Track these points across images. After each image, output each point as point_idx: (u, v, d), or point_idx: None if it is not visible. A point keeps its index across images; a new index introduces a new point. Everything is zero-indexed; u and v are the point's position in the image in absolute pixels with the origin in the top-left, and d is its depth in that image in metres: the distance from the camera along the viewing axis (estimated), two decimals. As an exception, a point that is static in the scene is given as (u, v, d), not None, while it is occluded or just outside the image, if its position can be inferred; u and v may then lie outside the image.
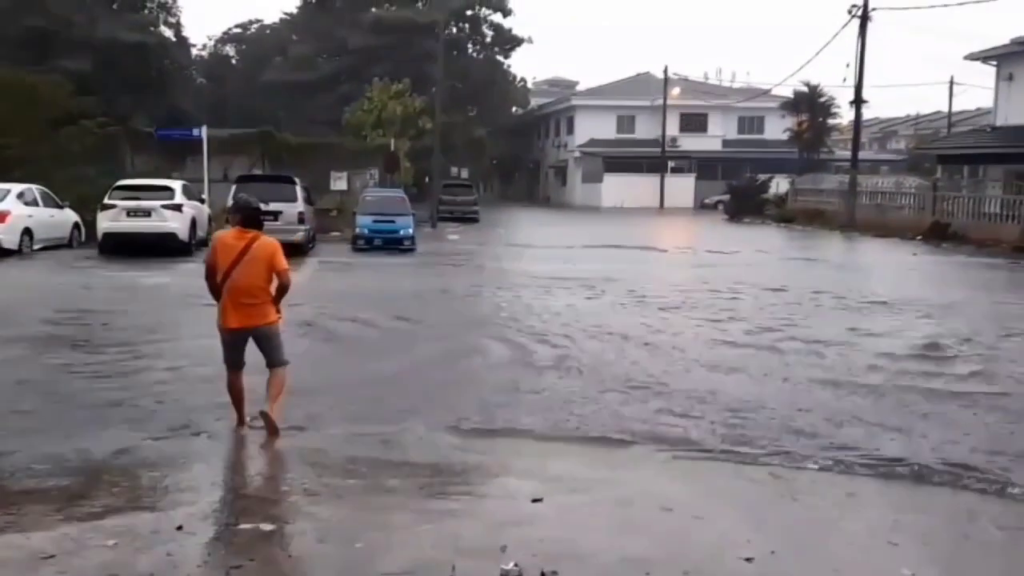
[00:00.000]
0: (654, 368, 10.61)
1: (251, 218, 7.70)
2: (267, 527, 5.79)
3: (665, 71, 61.67)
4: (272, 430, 7.60)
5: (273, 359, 7.69)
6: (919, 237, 31.49)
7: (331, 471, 6.99)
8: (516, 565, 5.21)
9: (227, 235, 7.71)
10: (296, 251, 22.67)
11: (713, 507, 6.44)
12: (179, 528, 5.67)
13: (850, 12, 38.71)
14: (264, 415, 7.59)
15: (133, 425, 7.97)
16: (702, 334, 12.88)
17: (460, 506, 6.37)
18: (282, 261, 7.58)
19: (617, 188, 60.44)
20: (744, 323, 13.82)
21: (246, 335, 7.64)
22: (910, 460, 7.34)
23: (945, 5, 58.44)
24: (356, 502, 6.39)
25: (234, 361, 7.72)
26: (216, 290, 7.61)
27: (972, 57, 38.13)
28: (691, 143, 63.19)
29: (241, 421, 7.87)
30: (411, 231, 26.01)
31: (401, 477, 6.87)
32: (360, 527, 5.87)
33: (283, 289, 7.63)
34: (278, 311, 7.74)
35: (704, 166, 62.71)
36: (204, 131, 31.05)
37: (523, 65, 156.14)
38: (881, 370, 10.64)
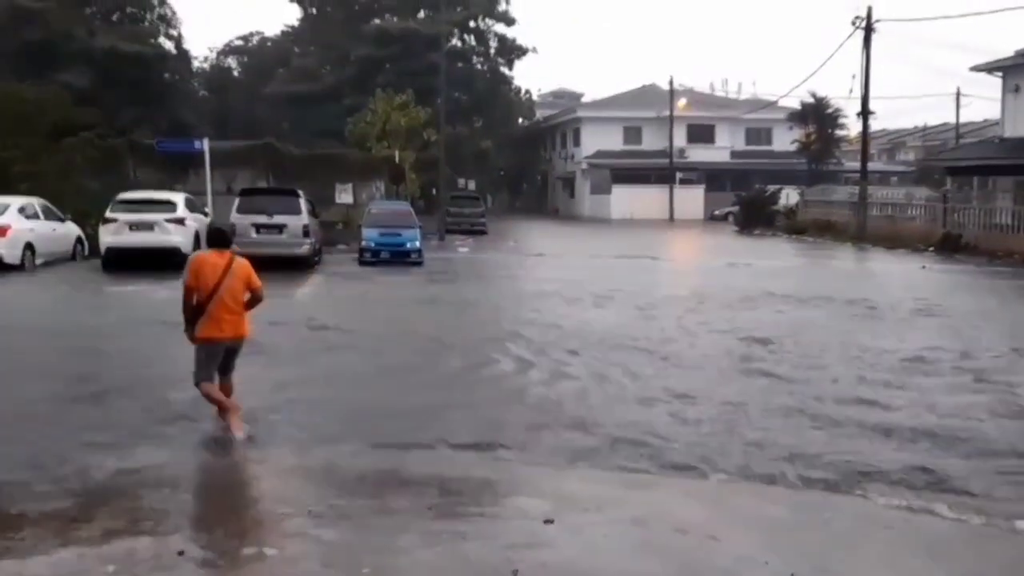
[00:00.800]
0: (670, 385, 10.45)
1: (220, 239, 8.50)
2: (271, 551, 5.62)
3: (671, 82, 61.63)
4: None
5: (231, 367, 8.46)
6: (931, 248, 31.33)
7: (336, 491, 6.85)
8: (528, 591, 5.05)
9: (207, 256, 8.35)
10: (302, 265, 22.52)
11: (729, 528, 6.28)
12: (180, 553, 5.50)
13: (854, 24, 38.64)
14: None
15: (133, 445, 7.79)
16: (722, 352, 12.62)
17: (470, 527, 6.20)
18: (256, 279, 8.42)
19: (626, 199, 60.26)
20: (762, 339, 13.52)
21: (231, 346, 8.34)
22: (930, 485, 7.17)
23: (947, 17, 58.46)
24: (362, 524, 6.21)
25: (211, 374, 8.26)
26: (195, 309, 8.18)
27: (977, 69, 38.04)
28: (699, 154, 62.96)
29: (235, 411, 8.17)
30: (418, 244, 25.77)
31: (408, 497, 6.72)
32: (366, 550, 5.70)
33: (257, 300, 8.48)
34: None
35: (712, 177, 62.49)
36: (206, 143, 30.86)
37: (528, 77, 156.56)
38: (902, 389, 10.44)
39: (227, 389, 8.42)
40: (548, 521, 6.15)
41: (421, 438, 8.15)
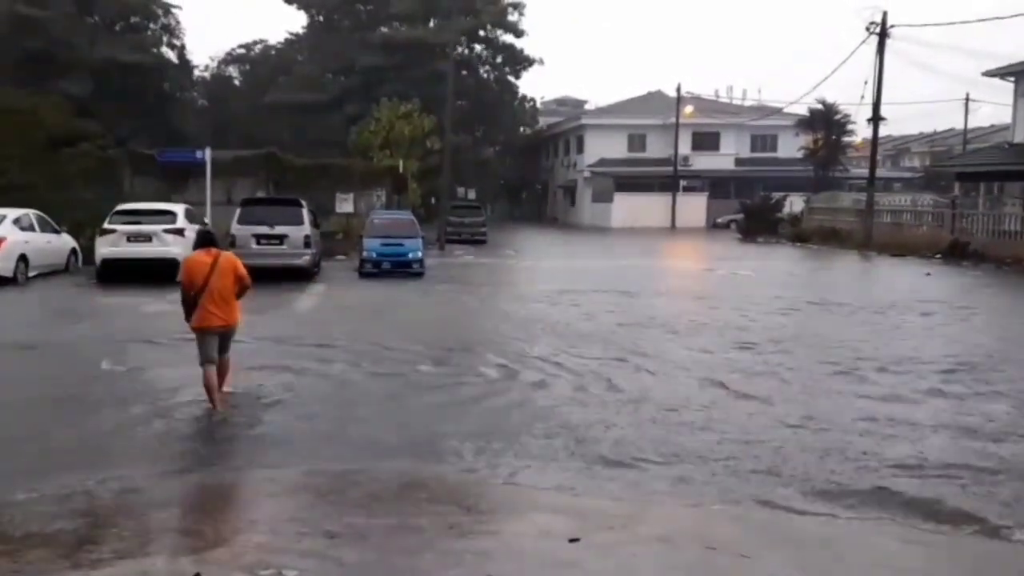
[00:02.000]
0: (679, 394, 10.28)
1: (208, 240, 9.71)
2: (289, 573, 5.41)
3: (678, 89, 61.19)
4: (225, 404, 9.34)
5: (226, 348, 9.66)
6: (938, 255, 31.04)
7: (353, 510, 6.65)
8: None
9: (196, 256, 9.53)
10: (302, 276, 22.25)
11: (759, 547, 6.07)
12: (196, 576, 5.29)
13: (868, 30, 38.49)
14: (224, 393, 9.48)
15: (142, 462, 7.61)
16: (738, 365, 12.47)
17: (492, 546, 6.02)
18: (242, 268, 9.57)
19: (627, 208, 60.00)
20: (777, 351, 13.37)
21: (222, 332, 9.43)
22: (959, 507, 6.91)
23: (964, 22, 58.28)
24: (381, 544, 6.01)
25: (211, 357, 9.32)
26: (192, 304, 9.32)
27: (990, 74, 37.94)
28: (703, 161, 62.71)
29: (214, 406, 9.22)
30: (420, 254, 25.37)
31: (428, 515, 6.52)
32: (386, 572, 5.55)
33: (245, 288, 9.64)
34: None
35: (716, 185, 62.20)
36: (208, 154, 30.64)
37: (532, 84, 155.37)
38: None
39: (224, 363, 9.56)
40: (573, 540, 5.96)
41: (434, 454, 7.95)
